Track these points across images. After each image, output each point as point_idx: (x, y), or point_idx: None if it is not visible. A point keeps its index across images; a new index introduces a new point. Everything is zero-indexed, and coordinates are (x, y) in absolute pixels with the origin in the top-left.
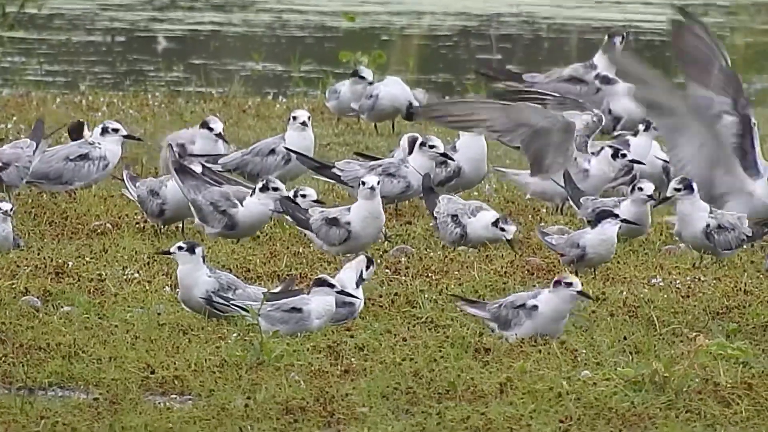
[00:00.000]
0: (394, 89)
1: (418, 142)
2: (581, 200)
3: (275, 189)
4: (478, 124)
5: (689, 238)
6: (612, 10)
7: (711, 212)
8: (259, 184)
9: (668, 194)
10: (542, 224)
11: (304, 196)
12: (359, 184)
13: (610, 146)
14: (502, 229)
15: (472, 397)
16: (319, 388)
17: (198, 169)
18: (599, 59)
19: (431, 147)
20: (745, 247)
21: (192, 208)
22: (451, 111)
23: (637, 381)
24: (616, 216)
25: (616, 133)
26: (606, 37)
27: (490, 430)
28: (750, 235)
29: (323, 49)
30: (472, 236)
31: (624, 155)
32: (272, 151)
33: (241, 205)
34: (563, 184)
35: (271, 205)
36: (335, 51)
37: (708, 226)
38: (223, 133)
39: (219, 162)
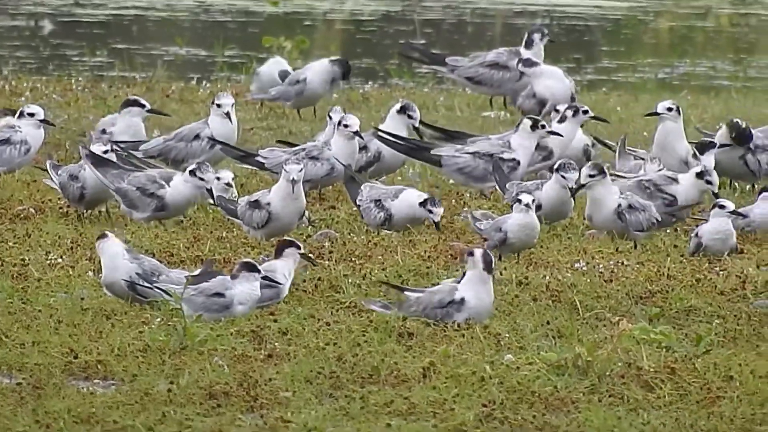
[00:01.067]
0: (321, 75)
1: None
2: (507, 186)
3: (201, 179)
4: None
5: (601, 220)
6: None
7: (621, 193)
8: (191, 167)
9: (582, 181)
10: (466, 209)
11: (218, 178)
12: (283, 170)
13: (529, 117)
14: (430, 211)
15: (395, 382)
16: (243, 372)
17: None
18: (524, 53)
19: (346, 126)
20: (655, 232)
21: (117, 197)
22: None
23: (560, 365)
24: (526, 205)
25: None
26: (525, 34)
27: (413, 414)
28: (659, 220)
29: (246, 34)
30: (398, 218)
31: (543, 126)
32: (197, 137)
33: (168, 185)
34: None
35: (208, 198)
36: (259, 36)
37: (619, 206)
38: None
39: (140, 148)
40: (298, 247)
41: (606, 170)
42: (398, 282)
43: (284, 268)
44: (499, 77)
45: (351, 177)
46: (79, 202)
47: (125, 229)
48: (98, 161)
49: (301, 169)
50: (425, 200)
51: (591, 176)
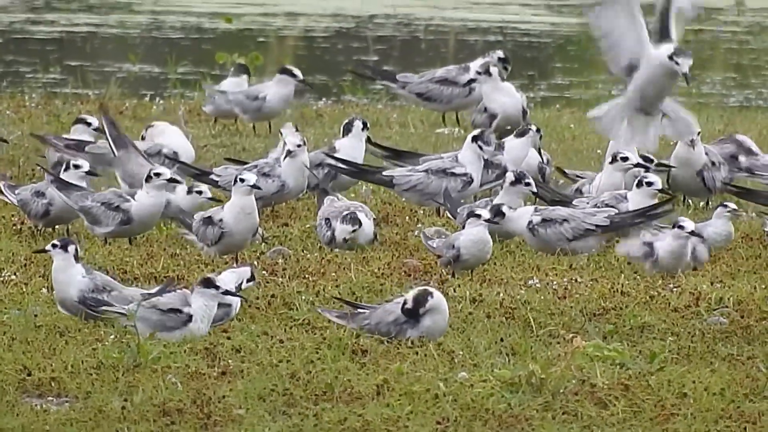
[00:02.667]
0: (281, 91)
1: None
2: (458, 210)
3: (158, 174)
4: None
5: (526, 239)
6: (489, 11)
7: (536, 210)
8: (146, 177)
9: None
10: (420, 225)
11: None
12: (235, 181)
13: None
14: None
15: (349, 399)
16: (196, 390)
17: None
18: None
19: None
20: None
21: (82, 215)
22: None
23: (514, 382)
24: (479, 216)
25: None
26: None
27: (367, 431)
28: (606, 225)
29: (200, 51)
30: (339, 239)
31: (487, 142)
32: (158, 153)
33: (134, 199)
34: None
35: (207, 194)
36: (212, 52)
37: (530, 222)
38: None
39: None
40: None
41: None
42: (352, 299)
43: (232, 285)
44: (449, 93)
45: (323, 189)
46: (42, 219)
47: (80, 245)
48: (63, 185)
49: (257, 179)
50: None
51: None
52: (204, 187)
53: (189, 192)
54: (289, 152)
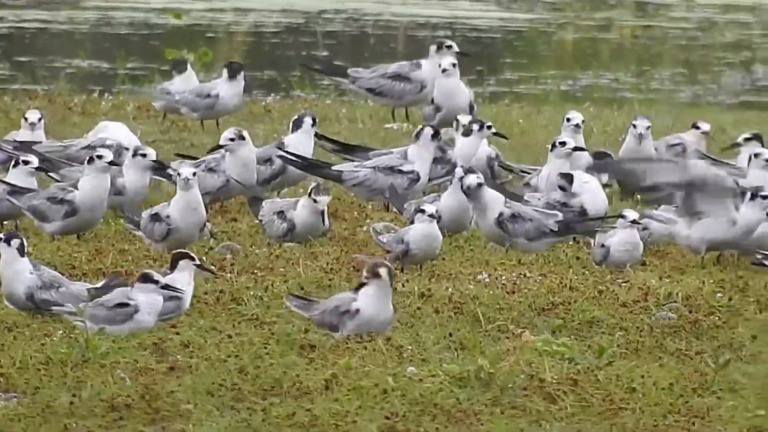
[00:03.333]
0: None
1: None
2: (405, 206)
3: (100, 156)
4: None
5: (485, 229)
6: (438, 7)
7: (506, 202)
8: (87, 159)
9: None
10: (369, 221)
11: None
12: (177, 175)
13: (432, 126)
14: (314, 200)
15: (297, 394)
16: (145, 385)
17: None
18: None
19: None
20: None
21: (31, 215)
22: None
23: (463, 377)
24: (430, 215)
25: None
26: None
27: (315, 426)
28: (556, 230)
29: (149, 47)
30: (300, 226)
31: (439, 137)
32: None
33: (77, 189)
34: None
35: (152, 156)
36: (161, 48)
37: (501, 214)
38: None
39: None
40: (192, 259)
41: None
42: (301, 294)
43: (183, 281)
44: (400, 89)
45: (254, 197)
46: None
47: (27, 241)
48: (14, 190)
49: (194, 173)
50: (310, 191)
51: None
52: (149, 150)
53: (134, 155)
54: (220, 146)
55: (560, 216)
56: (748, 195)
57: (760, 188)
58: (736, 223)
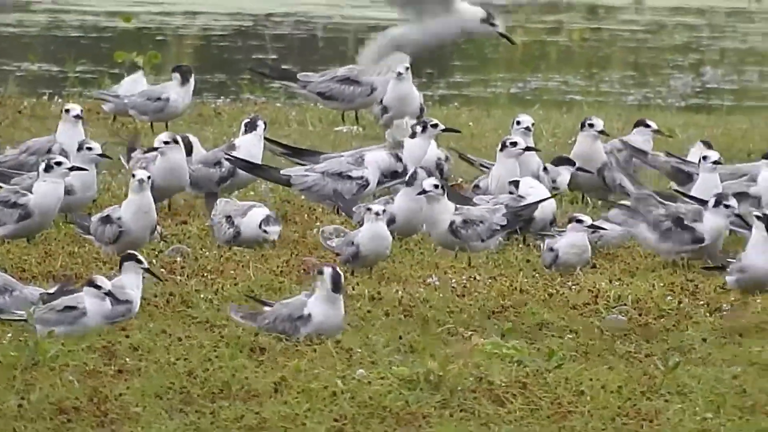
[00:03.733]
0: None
1: None
2: (353, 209)
3: (59, 164)
4: None
5: (436, 236)
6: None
7: (456, 209)
8: (42, 165)
9: (426, 188)
10: (318, 224)
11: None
12: (131, 177)
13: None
14: (265, 231)
15: (246, 397)
16: (93, 387)
17: None
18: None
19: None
20: (501, 238)
21: None
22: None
23: (412, 380)
24: (376, 213)
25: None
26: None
27: (264, 429)
28: (504, 224)
29: (99, 50)
30: (245, 235)
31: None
32: (49, 150)
33: (31, 192)
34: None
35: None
36: (111, 51)
37: (453, 223)
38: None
39: None
40: (140, 262)
41: (446, 188)
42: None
43: (132, 283)
44: (351, 92)
45: (210, 192)
46: None
47: None
48: None
49: (149, 176)
50: (261, 221)
51: (435, 186)
52: (94, 144)
53: (79, 149)
54: (154, 149)
55: (504, 209)
56: (712, 201)
57: (723, 195)
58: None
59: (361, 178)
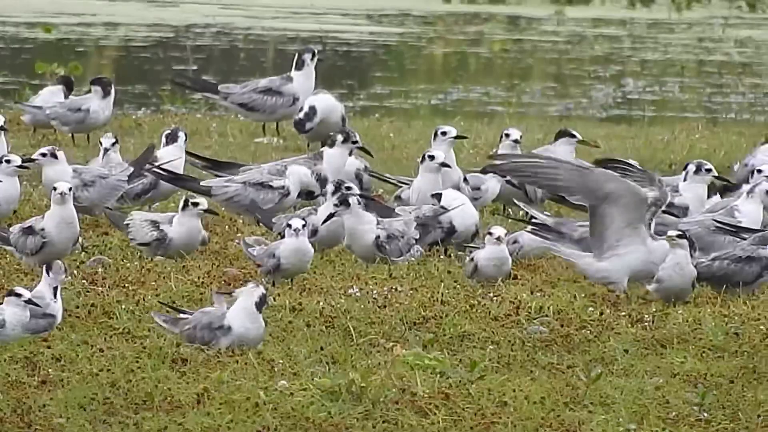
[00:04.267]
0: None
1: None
2: (273, 220)
3: (8, 161)
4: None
5: (360, 250)
6: (308, 21)
7: (378, 223)
8: None
9: (332, 211)
10: (239, 234)
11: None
12: (52, 189)
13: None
14: (195, 204)
15: (169, 408)
16: (16, 399)
17: None
18: (295, 76)
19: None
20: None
21: None
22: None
23: (334, 391)
24: (296, 229)
25: None
26: (296, 55)
27: None
28: (418, 237)
29: (19, 61)
30: (177, 240)
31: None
32: None
33: None
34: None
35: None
36: (31, 62)
37: (378, 237)
38: None
39: None
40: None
41: (351, 202)
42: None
43: (50, 293)
44: (272, 103)
45: (109, 208)
46: None
47: None
48: None
49: (70, 188)
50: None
51: (335, 206)
52: (13, 156)
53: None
54: (32, 159)
55: (414, 221)
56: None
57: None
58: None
59: (283, 187)
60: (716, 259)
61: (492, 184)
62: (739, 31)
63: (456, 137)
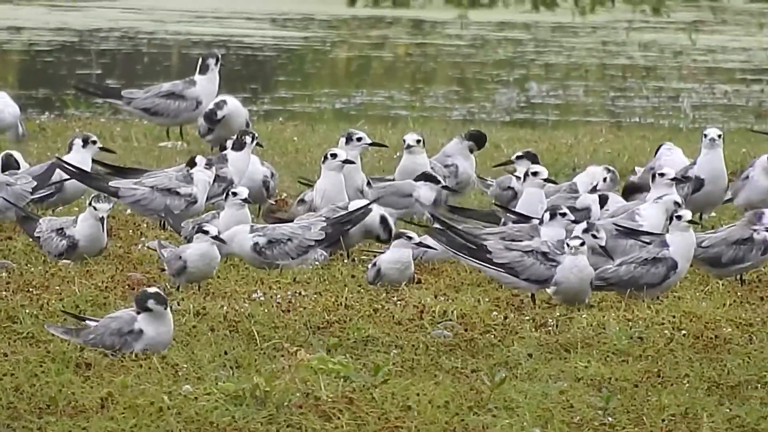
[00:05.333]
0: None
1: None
2: (182, 224)
3: None
4: None
5: (244, 257)
6: (212, 25)
7: (259, 230)
8: None
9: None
10: (143, 239)
11: None
12: None
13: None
14: (95, 208)
15: (73, 412)
16: None
17: None
18: (199, 80)
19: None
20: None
21: None
22: None
23: (238, 395)
24: (206, 232)
25: None
26: (200, 60)
27: None
28: (322, 238)
29: None
30: (82, 241)
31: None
32: None
33: None
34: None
35: None
36: None
37: (256, 244)
38: None
39: None
40: None
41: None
42: (76, 313)
43: None
44: (176, 107)
45: (25, 216)
46: None
47: None
48: None
49: None
50: (91, 199)
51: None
52: None
53: None
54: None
55: (323, 222)
56: (547, 216)
57: (556, 206)
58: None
59: (190, 195)
60: (623, 263)
61: (424, 192)
62: (643, 34)
63: (372, 144)
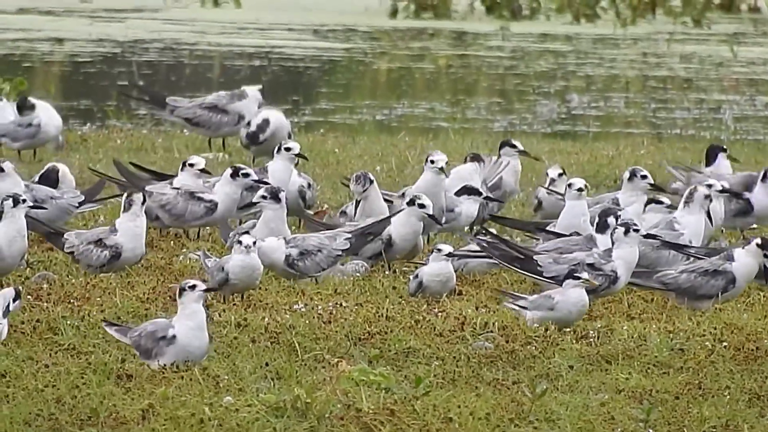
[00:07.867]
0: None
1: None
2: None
3: None
4: None
5: (276, 270)
6: (254, 36)
7: (288, 242)
8: None
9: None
10: (185, 250)
11: None
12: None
13: (232, 166)
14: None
15: (114, 424)
16: None
17: None
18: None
19: None
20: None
21: None
22: None
23: (280, 407)
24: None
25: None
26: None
27: None
28: (348, 247)
29: None
30: (126, 255)
31: (244, 174)
32: None
33: None
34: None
35: None
36: None
37: (289, 256)
38: None
39: None
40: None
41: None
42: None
43: None
44: (218, 120)
45: (52, 231)
46: None
47: None
48: None
49: (24, 200)
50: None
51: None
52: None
53: None
54: None
55: (348, 232)
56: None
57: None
58: None
59: (210, 202)
60: (684, 271)
61: (467, 207)
62: (684, 46)
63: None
